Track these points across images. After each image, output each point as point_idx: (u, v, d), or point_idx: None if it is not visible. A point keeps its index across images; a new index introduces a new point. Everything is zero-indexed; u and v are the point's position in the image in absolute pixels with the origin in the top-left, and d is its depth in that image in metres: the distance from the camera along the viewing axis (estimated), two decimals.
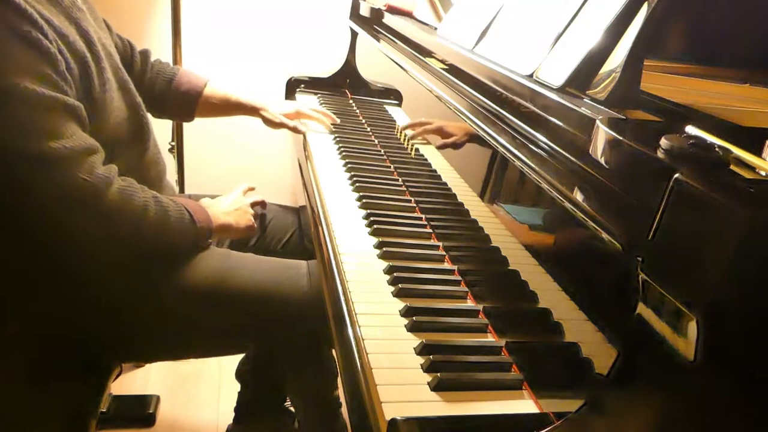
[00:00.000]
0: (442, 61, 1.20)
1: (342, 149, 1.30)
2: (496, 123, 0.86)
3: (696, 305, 0.45)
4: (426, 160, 1.18)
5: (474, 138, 0.97)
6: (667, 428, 0.49)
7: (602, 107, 0.68)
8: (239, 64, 2.09)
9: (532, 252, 0.75)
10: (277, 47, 2.12)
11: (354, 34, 1.77)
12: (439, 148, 1.14)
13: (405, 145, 1.34)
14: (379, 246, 0.91)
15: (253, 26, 2.09)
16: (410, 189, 1.12)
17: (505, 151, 0.80)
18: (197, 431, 1.61)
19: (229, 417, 1.49)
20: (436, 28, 1.28)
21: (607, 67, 0.73)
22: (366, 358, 0.67)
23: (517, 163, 0.76)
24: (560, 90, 0.75)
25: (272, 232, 1.31)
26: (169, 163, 1.57)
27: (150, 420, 1.60)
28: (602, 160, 0.59)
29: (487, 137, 0.85)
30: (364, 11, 1.70)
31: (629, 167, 0.56)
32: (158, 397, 1.66)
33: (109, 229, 0.93)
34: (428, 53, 1.26)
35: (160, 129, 1.20)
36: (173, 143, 1.95)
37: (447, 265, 0.90)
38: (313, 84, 1.75)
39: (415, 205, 1.06)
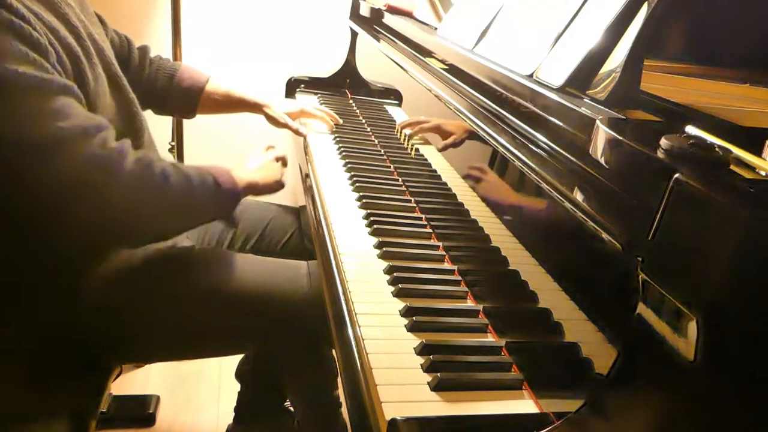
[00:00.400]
0: (442, 61, 1.20)
1: (342, 149, 1.30)
2: (496, 123, 0.86)
3: (696, 305, 0.45)
4: (426, 160, 1.18)
5: (472, 135, 0.97)
6: (667, 428, 0.49)
7: (602, 107, 0.68)
8: (239, 64, 2.09)
9: (532, 252, 0.75)
10: (277, 47, 2.12)
11: (354, 34, 1.77)
12: (441, 150, 1.14)
13: (405, 145, 1.34)
14: (379, 246, 0.91)
15: (253, 26, 2.09)
16: (410, 189, 1.12)
17: (505, 151, 0.80)
18: (197, 431, 1.61)
19: (229, 417, 1.49)
20: (436, 28, 1.28)
21: (607, 67, 0.73)
22: (366, 358, 0.67)
23: (517, 163, 0.76)
24: (560, 90, 0.75)
25: (272, 232, 1.31)
26: None
27: (150, 420, 1.60)
28: (602, 160, 0.59)
29: (487, 137, 0.85)
30: (364, 11, 1.70)
31: (629, 167, 0.56)
32: (158, 397, 1.66)
33: (131, 202, 0.91)
34: (428, 53, 1.26)
35: (160, 129, 1.20)
36: (173, 143, 1.95)
37: (447, 265, 0.90)
38: (313, 84, 1.75)
39: (415, 205, 1.06)
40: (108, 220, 0.92)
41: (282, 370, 1.25)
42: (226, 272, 1.06)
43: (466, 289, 0.84)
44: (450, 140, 1.10)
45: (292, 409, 1.46)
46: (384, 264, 0.86)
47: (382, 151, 1.31)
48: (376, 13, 1.62)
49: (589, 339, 0.61)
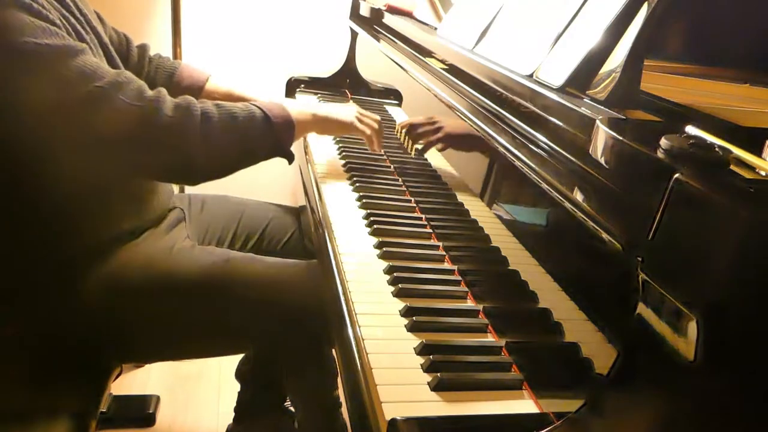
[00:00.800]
0: (442, 61, 1.20)
1: (342, 149, 1.30)
2: (496, 123, 0.86)
3: (696, 305, 0.45)
4: (426, 160, 1.18)
5: (474, 137, 0.96)
6: (667, 428, 0.49)
7: (602, 107, 0.68)
8: (239, 64, 2.09)
9: (532, 252, 0.75)
10: (277, 47, 2.12)
11: (354, 34, 1.77)
12: (441, 150, 1.14)
13: (405, 145, 1.34)
14: (379, 246, 0.91)
15: (253, 26, 2.09)
16: (410, 189, 1.12)
17: (505, 151, 0.80)
18: (197, 431, 1.61)
19: (229, 417, 1.49)
20: (436, 28, 1.28)
21: (607, 67, 0.73)
22: (366, 358, 0.67)
23: (517, 163, 0.76)
24: (560, 90, 0.75)
25: (272, 232, 1.31)
26: None
27: (150, 420, 1.60)
28: (602, 160, 0.59)
29: (487, 137, 0.85)
30: (364, 11, 1.70)
31: (629, 167, 0.56)
32: (158, 397, 1.66)
33: (176, 146, 0.93)
34: (428, 53, 1.26)
35: None
36: None
37: (447, 265, 0.90)
38: (313, 84, 1.75)
39: (415, 205, 1.06)
40: (157, 165, 0.96)
41: (282, 370, 1.25)
42: (226, 272, 1.06)
43: (466, 289, 0.84)
44: (454, 144, 1.10)
45: (292, 409, 1.46)
46: (384, 264, 0.86)
47: (382, 151, 1.31)
48: (376, 13, 1.62)
49: (589, 339, 0.61)
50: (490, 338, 0.75)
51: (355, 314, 0.74)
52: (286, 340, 1.06)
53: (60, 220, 0.98)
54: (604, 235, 0.57)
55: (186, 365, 1.81)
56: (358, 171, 1.18)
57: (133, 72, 1.22)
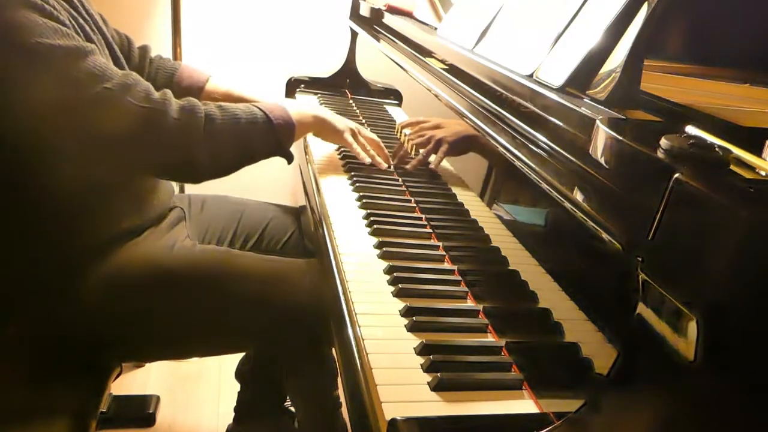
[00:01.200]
0: (442, 61, 1.20)
1: (342, 149, 1.30)
2: (496, 123, 0.86)
3: (696, 305, 0.45)
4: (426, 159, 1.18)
5: (475, 139, 0.96)
6: (667, 428, 0.49)
7: (602, 107, 0.68)
8: (239, 64, 2.09)
9: (532, 252, 0.75)
10: (277, 47, 2.12)
11: (354, 34, 1.77)
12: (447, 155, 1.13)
13: (405, 145, 1.34)
14: (379, 246, 0.91)
15: (253, 26, 2.09)
16: (410, 189, 1.12)
17: (505, 151, 0.80)
18: (197, 431, 1.61)
19: (229, 417, 1.49)
20: (436, 28, 1.28)
21: (607, 67, 0.73)
22: (366, 358, 0.67)
23: (517, 163, 0.76)
24: (560, 90, 0.75)
25: (272, 232, 1.31)
26: None
27: (150, 420, 1.60)
28: (602, 160, 0.59)
29: (487, 137, 0.85)
30: (364, 11, 1.70)
31: (629, 167, 0.56)
32: (158, 397, 1.66)
33: (180, 147, 0.96)
34: (428, 53, 1.26)
35: None
36: None
37: (447, 265, 0.90)
38: (313, 84, 1.75)
39: (415, 205, 1.06)
40: (161, 164, 0.99)
41: (282, 370, 1.25)
42: (226, 271, 1.06)
43: (466, 289, 0.84)
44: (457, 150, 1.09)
45: (292, 409, 1.46)
46: (384, 264, 0.86)
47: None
48: (376, 13, 1.62)
49: (589, 339, 0.61)
50: (490, 338, 0.75)
51: (355, 314, 0.74)
52: (286, 339, 1.06)
53: (61, 219, 0.98)
54: (604, 235, 0.57)
55: (186, 365, 1.81)
56: (358, 171, 1.18)
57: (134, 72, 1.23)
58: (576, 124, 0.68)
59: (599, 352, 0.58)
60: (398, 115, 1.57)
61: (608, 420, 0.55)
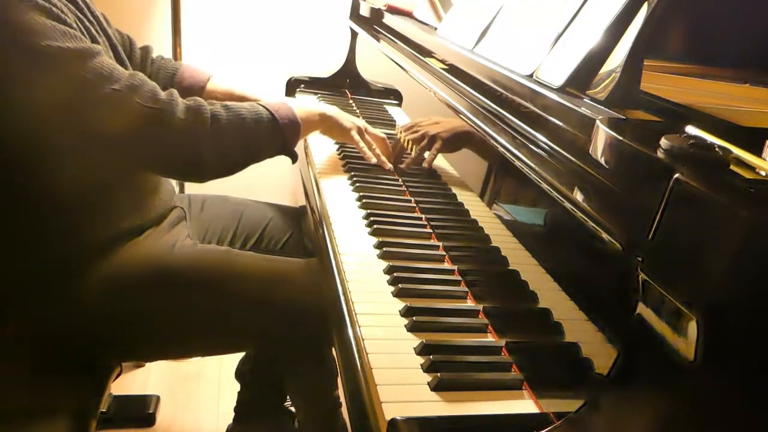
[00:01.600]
0: (442, 61, 1.20)
1: (342, 149, 1.30)
2: (496, 123, 0.86)
3: (696, 305, 0.45)
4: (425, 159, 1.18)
5: (473, 137, 0.96)
6: (667, 428, 0.49)
7: (602, 107, 0.68)
8: (239, 64, 2.09)
9: (532, 252, 0.75)
10: (277, 47, 2.12)
11: (354, 34, 1.77)
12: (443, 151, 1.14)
13: (405, 145, 1.34)
14: (379, 246, 0.91)
15: (253, 26, 2.09)
16: (410, 189, 1.12)
17: (505, 151, 0.80)
18: (197, 431, 1.61)
19: (229, 417, 1.49)
20: (436, 28, 1.28)
21: (607, 67, 0.73)
22: (366, 358, 0.67)
23: (517, 163, 0.76)
24: (560, 90, 0.75)
25: (272, 232, 1.31)
26: None
27: (150, 420, 1.60)
28: (602, 160, 0.59)
29: (487, 137, 0.85)
30: (364, 11, 1.70)
31: (629, 167, 0.56)
32: (158, 397, 1.66)
33: (186, 146, 0.97)
34: (428, 53, 1.26)
35: None
36: None
37: (447, 265, 0.90)
38: (313, 84, 1.75)
39: (415, 205, 1.06)
40: (168, 164, 1.01)
41: (282, 370, 1.25)
42: (226, 270, 1.06)
43: (466, 289, 0.84)
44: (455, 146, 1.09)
45: (292, 409, 1.46)
46: (384, 264, 0.86)
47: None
48: (376, 13, 1.62)
49: (589, 339, 0.61)
50: (490, 338, 0.75)
51: (355, 314, 0.74)
52: (286, 339, 1.06)
53: (62, 219, 0.98)
54: (604, 235, 0.57)
55: (186, 365, 1.81)
56: (358, 171, 1.18)
57: None
58: (576, 124, 0.68)
59: (599, 352, 0.58)
60: (398, 115, 1.57)
61: (608, 420, 0.55)
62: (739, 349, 0.45)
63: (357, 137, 1.20)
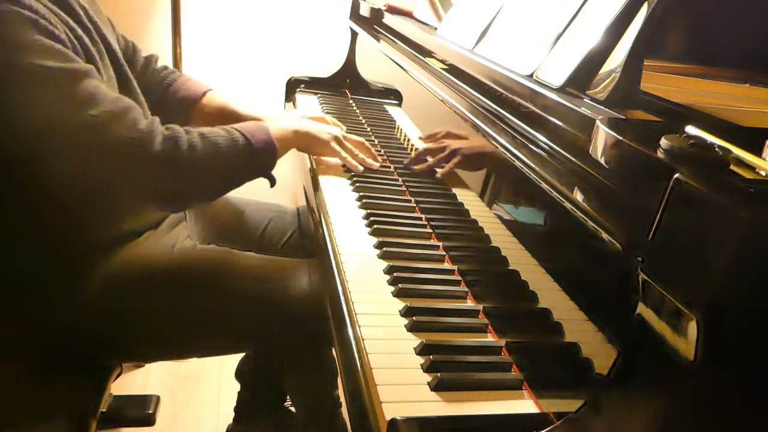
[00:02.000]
0: (442, 61, 1.20)
1: None
2: (496, 123, 0.86)
3: (696, 305, 0.45)
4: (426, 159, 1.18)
5: (492, 157, 0.96)
6: (667, 428, 0.49)
7: (602, 107, 0.68)
8: (239, 64, 2.09)
9: (532, 252, 0.75)
10: (277, 47, 2.12)
11: (354, 34, 1.77)
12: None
13: (405, 145, 1.34)
14: (379, 246, 0.91)
15: (253, 26, 2.09)
16: (410, 189, 1.12)
17: (505, 151, 0.80)
18: (197, 431, 1.61)
19: (229, 417, 1.49)
20: (436, 28, 1.28)
21: (607, 67, 0.73)
22: (366, 358, 0.67)
23: (517, 163, 0.76)
24: (560, 90, 0.75)
25: (272, 232, 1.31)
26: None
27: (150, 420, 1.60)
28: (602, 160, 0.59)
29: (487, 137, 0.85)
30: (364, 11, 1.70)
31: (629, 167, 0.56)
32: (158, 397, 1.65)
33: (163, 177, 0.96)
34: (428, 53, 1.26)
35: None
36: None
37: (447, 265, 0.90)
38: (313, 84, 1.75)
39: (415, 205, 1.06)
40: (143, 194, 0.99)
41: (282, 370, 1.25)
42: (226, 271, 1.06)
43: (466, 289, 0.84)
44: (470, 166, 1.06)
45: (292, 409, 1.46)
46: (384, 264, 0.86)
47: (382, 151, 1.31)
48: (376, 13, 1.62)
49: (589, 339, 0.61)
50: (490, 338, 0.75)
51: (355, 314, 0.74)
52: (286, 339, 1.06)
53: (61, 220, 0.98)
54: (604, 235, 0.57)
55: (186, 365, 1.81)
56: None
57: (135, 80, 1.21)
58: (576, 124, 0.68)
59: (599, 352, 0.58)
60: (398, 115, 1.57)
61: (608, 420, 0.55)
62: (739, 349, 0.45)
63: (337, 148, 1.16)
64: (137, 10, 1.98)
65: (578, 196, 0.62)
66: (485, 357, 0.70)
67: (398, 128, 1.44)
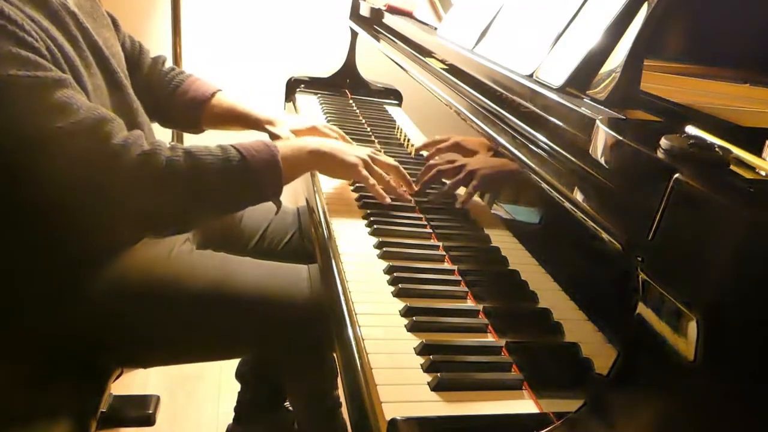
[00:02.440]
0: (442, 61, 1.20)
1: None
2: (496, 123, 0.86)
3: (696, 305, 0.45)
4: (425, 158, 1.18)
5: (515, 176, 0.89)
6: (667, 428, 0.49)
7: (602, 107, 0.68)
8: (239, 64, 2.09)
9: (532, 252, 0.75)
10: (277, 47, 2.12)
11: (354, 34, 1.77)
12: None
13: (405, 145, 1.34)
14: (379, 246, 0.91)
15: (253, 26, 2.09)
16: None
17: (505, 151, 0.80)
18: (197, 431, 1.61)
19: (229, 417, 1.49)
20: (436, 28, 1.28)
21: (607, 67, 0.73)
22: (366, 358, 0.67)
23: (517, 163, 0.76)
24: (560, 90, 0.75)
25: (272, 233, 1.31)
26: None
27: (150, 420, 1.60)
28: (602, 160, 0.59)
29: (487, 137, 0.85)
30: (364, 11, 1.70)
31: (629, 167, 0.56)
32: (158, 397, 1.65)
33: (133, 194, 0.89)
34: (428, 53, 1.26)
35: (159, 133, 1.19)
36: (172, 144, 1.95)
37: (447, 265, 0.90)
38: (313, 84, 1.75)
39: (415, 205, 1.06)
40: (116, 213, 0.91)
41: (282, 371, 1.24)
42: (226, 276, 1.05)
43: (466, 289, 0.84)
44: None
45: (292, 409, 1.46)
46: (384, 264, 0.86)
47: (382, 150, 1.31)
48: (376, 13, 1.62)
49: (589, 339, 0.61)
50: (490, 338, 0.75)
51: (355, 314, 0.74)
52: (287, 344, 1.06)
53: (60, 226, 0.97)
54: (604, 235, 0.57)
55: (186, 365, 1.80)
56: None
57: (141, 82, 1.19)
58: (576, 124, 0.68)
59: (599, 352, 0.58)
60: (398, 115, 1.57)
61: (608, 420, 0.55)
62: (739, 349, 0.45)
63: (365, 173, 1.02)
64: (137, 9, 1.98)
65: (578, 196, 0.62)
66: (485, 357, 0.70)
67: (398, 128, 1.44)
